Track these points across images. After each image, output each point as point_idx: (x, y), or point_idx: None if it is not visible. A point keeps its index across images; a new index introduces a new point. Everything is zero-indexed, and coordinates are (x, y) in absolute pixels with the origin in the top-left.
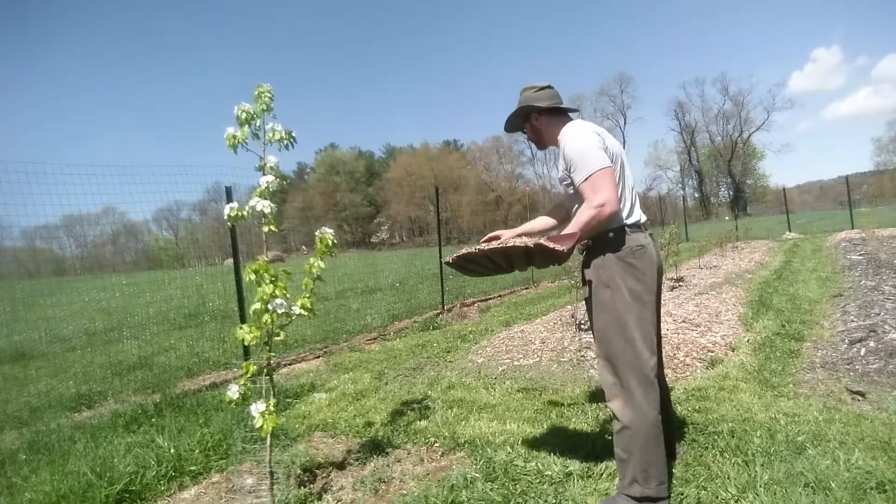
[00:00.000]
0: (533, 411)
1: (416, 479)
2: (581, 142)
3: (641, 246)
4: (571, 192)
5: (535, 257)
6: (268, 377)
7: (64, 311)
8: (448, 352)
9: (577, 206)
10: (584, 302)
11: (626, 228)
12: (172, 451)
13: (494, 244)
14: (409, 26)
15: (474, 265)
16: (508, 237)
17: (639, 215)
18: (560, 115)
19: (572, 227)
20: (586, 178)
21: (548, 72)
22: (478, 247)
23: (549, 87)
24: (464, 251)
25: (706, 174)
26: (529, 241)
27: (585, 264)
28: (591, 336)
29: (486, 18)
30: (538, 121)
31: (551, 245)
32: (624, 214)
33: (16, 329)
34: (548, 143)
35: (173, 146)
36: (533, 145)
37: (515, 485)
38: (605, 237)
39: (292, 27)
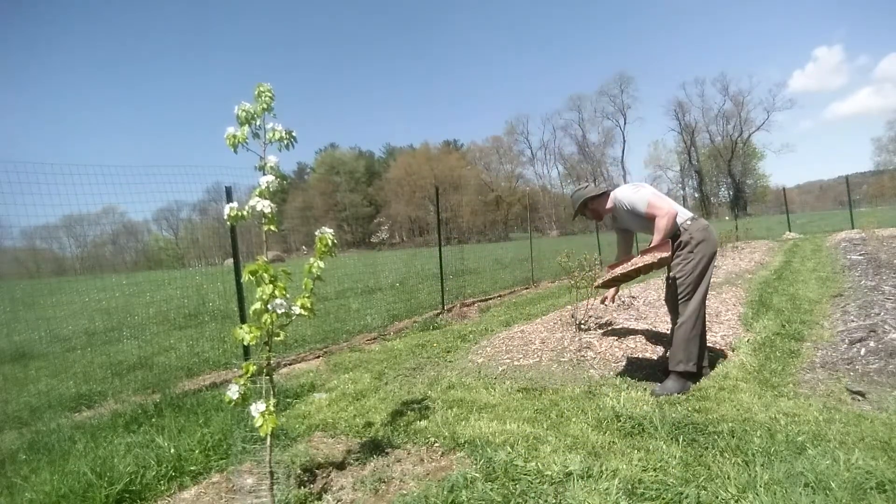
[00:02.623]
0: (533, 411)
1: (416, 479)
2: (628, 191)
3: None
4: (638, 220)
5: (652, 266)
6: (268, 377)
7: (64, 311)
8: (448, 352)
9: (646, 226)
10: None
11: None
12: (172, 451)
13: (631, 265)
14: (409, 26)
15: (614, 283)
16: (635, 259)
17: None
18: (601, 196)
19: (657, 236)
20: (648, 205)
21: (548, 71)
22: (621, 271)
23: (589, 185)
24: (610, 275)
25: (706, 174)
26: (654, 258)
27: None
28: (591, 336)
29: (486, 18)
30: (593, 203)
31: (665, 254)
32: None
33: (16, 329)
34: (603, 214)
35: (173, 146)
36: (534, 142)
37: (515, 485)
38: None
39: (292, 27)
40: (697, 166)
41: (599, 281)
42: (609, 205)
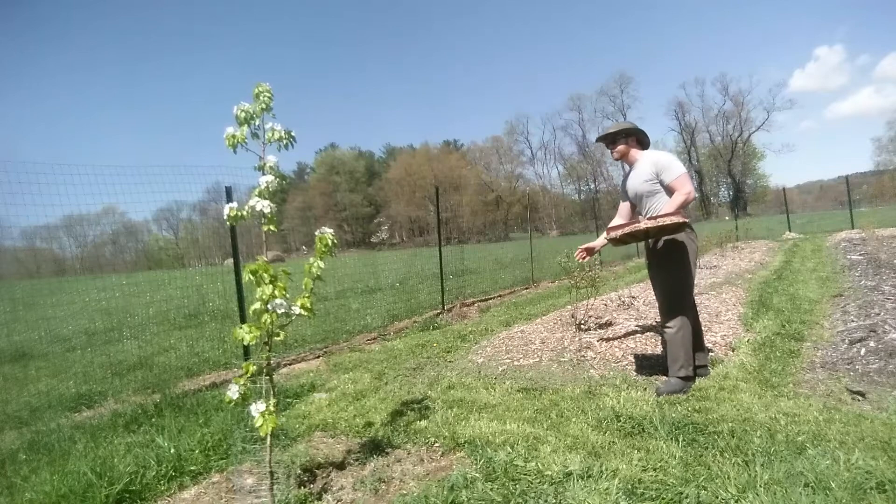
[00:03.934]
0: (533, 411)
1: (416, 479)
2: (670, 157)
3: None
4: (653, 189)
5: (665, 230)
6: (268, 377)
7: (64, 311)
8: (448, 352)
9: (654, 199)
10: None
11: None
12: (172, 451)
13: (655, 222)
14: (409, 26)
15: (631, 238)
16: (650, 220)
17: None
18: (642, 143)
19: (670, 207)
20: (677, 177)
21: (548, 71)
22: (645, 225)
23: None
24: (622, 232)
25: (706, 174)
26: (679, 219)
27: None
28: (591, 336)
29: (486, 18)
30: (629, 139)
31: (677, 220)
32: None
33: (16, 329)
34: (628, 158)
35: (173, 146)
36: (534, 142)
37: (515, 485)
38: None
39: (292, 27)
40: (697, 166)
41: (615, 234)
42: (637, 158)
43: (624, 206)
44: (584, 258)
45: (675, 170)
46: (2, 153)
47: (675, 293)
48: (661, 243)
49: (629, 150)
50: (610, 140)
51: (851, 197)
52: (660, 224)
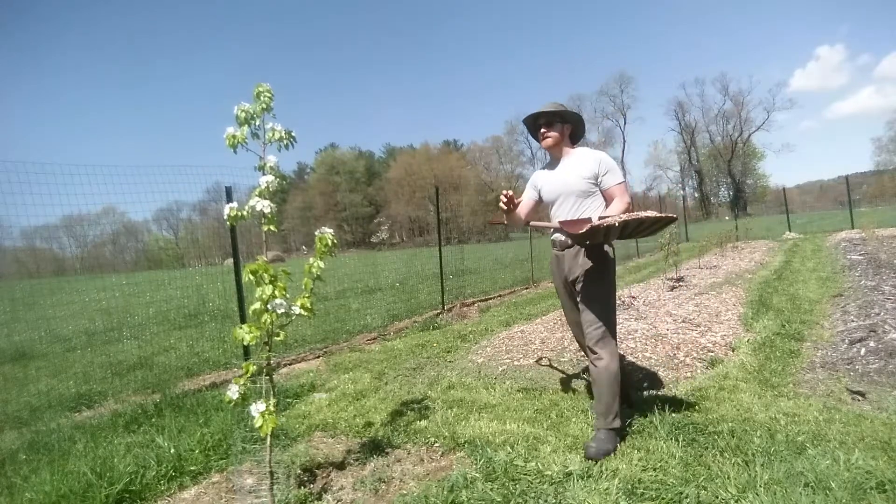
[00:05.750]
0: (533, 411)
1: (416, 479)
2: (612, 160)
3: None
4: (590, 188)
5: (659, 223)
6: (268, 377)
7: (64, 311)
8: (448, 352)
9: (588, 200)
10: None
11: None
12: (172, 451)
13: (648, 214)
14: (409, 26)
15: (612, 231)
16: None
17: None
18: (576, 135)
19: (615, 210)
20: (620, 183)
21: (548, 71)
22: (645, 214)
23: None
24: (626, 217)
25: (706, 174)
26: (672, 215)
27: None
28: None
29: (487, 18)
30: (565, 128)
31: (664, 215)
32: None
33: (16, 329)
34: (558, 149)
35: (173, 146)
36: (535, 142)
37: (515, 485)
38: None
39: (292, 27)
40: (697, 166)
41: (614, 220)
42: (570, 151)
43: (530, 202)
44: (505, 204)
45: (620, 175)
46: (2, 153)
47: (611, 312)
48: (594, 252)
49: (561, 137)
50: (547, 121)
51: (851, 197)
52: (654, 216)
